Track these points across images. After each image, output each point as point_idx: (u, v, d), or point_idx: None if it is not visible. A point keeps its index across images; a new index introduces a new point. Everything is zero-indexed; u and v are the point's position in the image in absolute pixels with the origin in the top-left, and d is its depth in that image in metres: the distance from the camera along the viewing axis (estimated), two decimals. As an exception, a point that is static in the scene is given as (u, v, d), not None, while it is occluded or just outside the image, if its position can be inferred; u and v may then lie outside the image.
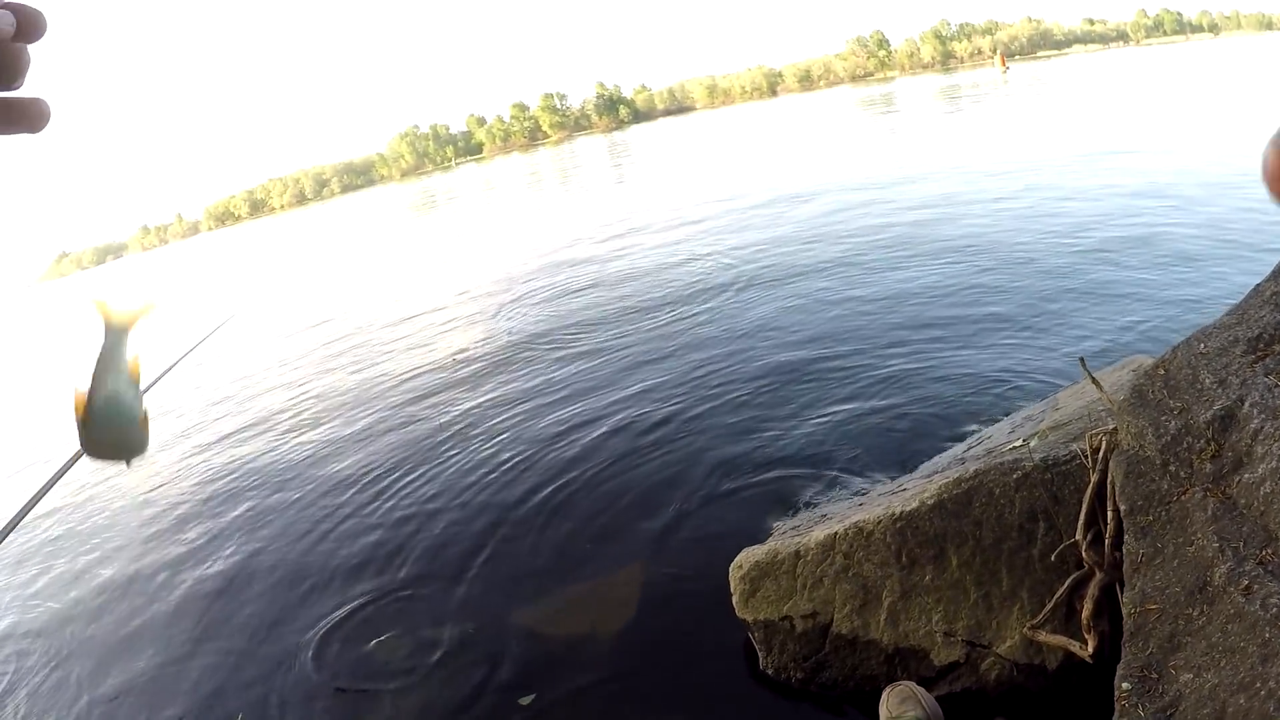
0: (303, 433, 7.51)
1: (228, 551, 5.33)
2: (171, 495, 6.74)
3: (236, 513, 5.97)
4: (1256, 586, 1.63)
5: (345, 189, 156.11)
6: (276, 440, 7.49)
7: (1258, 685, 1.43)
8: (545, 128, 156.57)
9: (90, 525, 6.48)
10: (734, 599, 3.22)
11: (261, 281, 24.40)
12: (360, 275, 18.85)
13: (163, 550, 5.65)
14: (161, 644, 4.44)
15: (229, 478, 6.81)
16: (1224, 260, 6.68)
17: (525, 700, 3.25)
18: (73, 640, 4.71)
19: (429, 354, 9.24)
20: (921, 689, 2.64)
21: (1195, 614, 1.75)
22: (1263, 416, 1.98)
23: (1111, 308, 6.17)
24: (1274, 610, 1.54)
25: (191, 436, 8.36)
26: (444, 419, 6.81)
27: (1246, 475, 1.91)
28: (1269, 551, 1.70)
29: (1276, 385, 2.03)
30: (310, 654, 3.94)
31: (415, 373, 8.55)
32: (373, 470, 6.08)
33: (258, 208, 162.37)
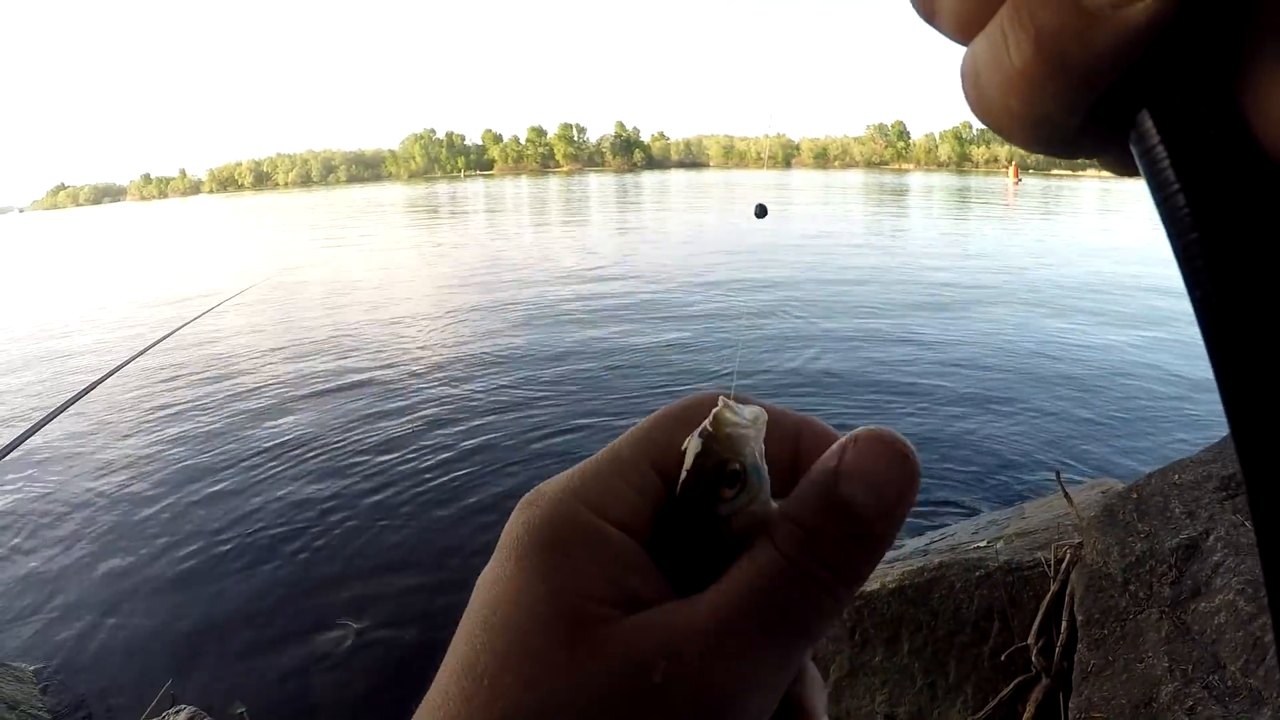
0: (264, 416, 7.50)
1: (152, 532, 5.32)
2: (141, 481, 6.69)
3: (168, 498, 5.95)
4: (1200, 708, 1.71)
5: (351, 179, 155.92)
6: (252, 420, 7.47)
7: (1192, 801, 1.50)
8: (559, 157, 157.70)
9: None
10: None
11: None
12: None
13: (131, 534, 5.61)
14: (121, 600, 4.41)
15: (168, 459, 6.78)
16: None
17: None
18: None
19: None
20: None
21: (1138, 727, 1.82)
22: (1226, 551, 2.07)
23: (1086, 431, 6.30)
24: (1215, 734, 1.61)
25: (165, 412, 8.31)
26: (410, 416, 6.82)
27: (1203, 604, 2.00)
28: (1215, 677, 1.77)
29: (1243, 524, 2.13)
30: (251, 634, 3.92)
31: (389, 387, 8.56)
32: (341, 466, 6.08)
33: (262, 180, 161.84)
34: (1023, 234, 23.17)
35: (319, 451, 6.29)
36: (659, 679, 0.29)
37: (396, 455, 6.09)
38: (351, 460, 6.04)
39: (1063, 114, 0.22)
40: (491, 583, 0.33)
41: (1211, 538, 2.12)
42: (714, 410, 0.34)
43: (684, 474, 0.34)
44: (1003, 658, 2.71)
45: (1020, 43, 0.21)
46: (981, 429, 6.31)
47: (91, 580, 4.58)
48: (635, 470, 0.35)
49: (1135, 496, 2.55)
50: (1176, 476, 2.48)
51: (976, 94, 0.24)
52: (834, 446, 0.33)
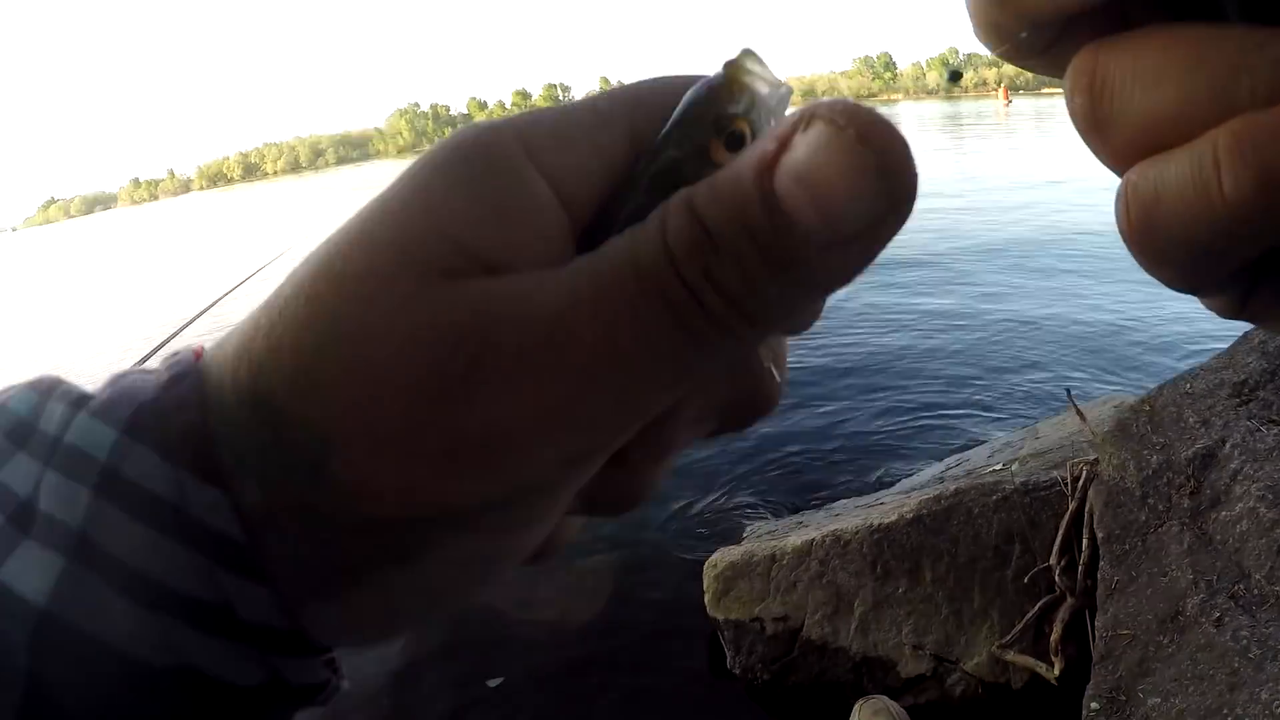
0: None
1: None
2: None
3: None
4: (1228, 619, 1.69)
5: (340, 161, 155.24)
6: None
7: (1225, 711, 1.49)
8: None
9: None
10: (706, 597, 3.25)
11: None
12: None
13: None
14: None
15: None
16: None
17: (493, 683, 3.27)
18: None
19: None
20: (894, 703, 2.68)
21: (1166, 641, 1.80)
22: (1243, 458, 2.03)
23: (1093, 348, 6.26)
24: (1244, 642, 1.60)
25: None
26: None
27: (1224, 513, 1.97)
28: (1241, 587, 1.76)
29: (1259, 430, 2.09)
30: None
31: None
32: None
33: (251, 171, 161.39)
34: (1017, 155, 22.94)
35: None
36: (461, 365, 0.22)
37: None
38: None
39: (1245, 249, 0.20)
40: (377, 195, 0.26)
41: (1228, 445, 2.09)
42: (738, 55, 0.25)
43: (674, 115, 0.26)
44: (1026, 580, 2.70)
45: (1239, 177, 0.19)
46: (988, 352, 6.27)
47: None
48: (606, 129, 0.27)
49: (1148, 409, 2.51)
50: (1188, 386, 2.44)
51: (1147, 217, 0.21)
52: (784, 121, 0.22)
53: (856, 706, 2.69)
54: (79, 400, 0.26)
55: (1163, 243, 0.21)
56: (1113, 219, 0.22)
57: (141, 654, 0.24)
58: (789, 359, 0.31)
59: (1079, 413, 3.11)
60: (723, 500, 4.38)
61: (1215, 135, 0.19)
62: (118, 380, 0.27)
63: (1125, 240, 0.22)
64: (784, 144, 0.21)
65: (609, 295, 0.22)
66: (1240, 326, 2.79)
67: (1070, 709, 2.11)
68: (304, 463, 0.24)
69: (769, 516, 4.15)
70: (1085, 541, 2.51)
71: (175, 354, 0.27)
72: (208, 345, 0.27)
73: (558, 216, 0.25)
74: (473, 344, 0.22)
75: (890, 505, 3.23)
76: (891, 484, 4.27)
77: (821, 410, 5.43)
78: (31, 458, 0.25)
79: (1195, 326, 6.26)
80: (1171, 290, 0.23)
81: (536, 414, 0.23)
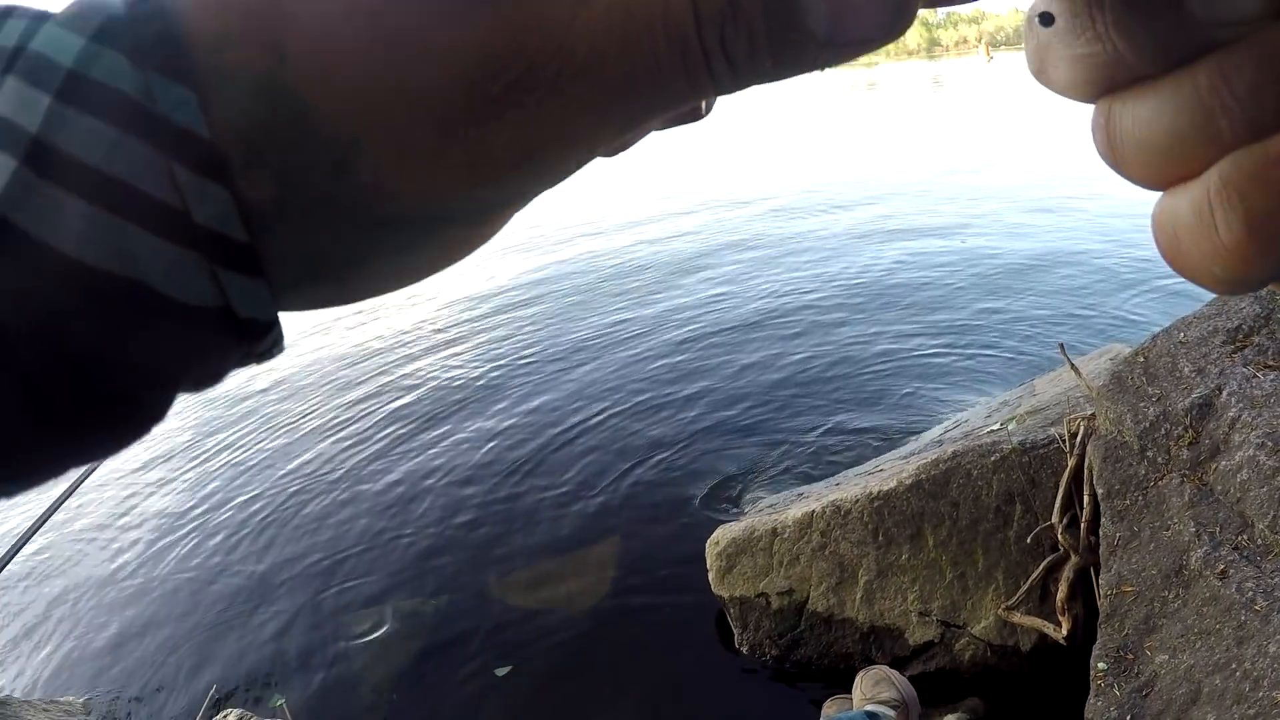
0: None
1: (196, 515, 5.30)
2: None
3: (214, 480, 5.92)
4: (1232, 571, 1.67)
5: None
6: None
7: (1233, 666, 1.47)
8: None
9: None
10: (710, 575, 3.24)
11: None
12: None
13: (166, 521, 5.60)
14: (150, 616, 4.43)
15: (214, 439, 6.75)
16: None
17: (501, 671, 3.26)
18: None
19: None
20: (895, 672, 2.67)
21: (1171, 597, 1.78)
22: (1240, 405, 2.01)
23: (1087, 299, 6.23)
24: (1249, 594, 1.58)
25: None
26: (417, 386, 6.77)
27: (1223, 462, 1.95)
28: (1245, 537, 1.73)
29: (1255, 376, 2.07)
30: (282, 626, 3.93)
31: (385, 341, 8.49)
32: (351, 438, 6.04)
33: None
34: (1000, 113, 22.83)
35: (332, 429, 6.25)
36: (499, 88, 0.24)
37: (419, 433, 6.04)
38: (367, 438, 5.99)
39: (1268, 278, 0.22)
40: None
41: (1225, 393, 2.06)
42: None
43: None
44: (1029, 540, 2.69)
45: (1231, 222, 0.21)
46: (978, 315, 6.23)
47: (126, 609, 4.59)
48: None
49: (1142, 360, 2.49)
50: (1182, 335, 2.41)
51: (1174, 252, 0.23)
52: None
53: (858, 678, 2.67)
54: (41, 15, 0.25)
55: (1186, 270, 0.23)
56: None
57: (89, 258, 0.23)
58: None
59: (1073, 367, 3.08)
60: (720, 477, 4.36)
61: (1210, 176, 0.20)
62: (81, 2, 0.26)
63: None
64: None
65: (638, 40, 0.24)
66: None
67: (1080, 669, 2.09)
68: (328, 160, 0.24)
69: (768, 491, 4.14)
70: (1086, 498, 2.49)
71: None
72: None
73: None
74: (514, 68, 0.23)
75: (889, 472, 3.21)
76: (889, 449, 4.26)
77: (813, 377, 5.41)
78: None
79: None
80: None
81: (558, 137, 0.25)
